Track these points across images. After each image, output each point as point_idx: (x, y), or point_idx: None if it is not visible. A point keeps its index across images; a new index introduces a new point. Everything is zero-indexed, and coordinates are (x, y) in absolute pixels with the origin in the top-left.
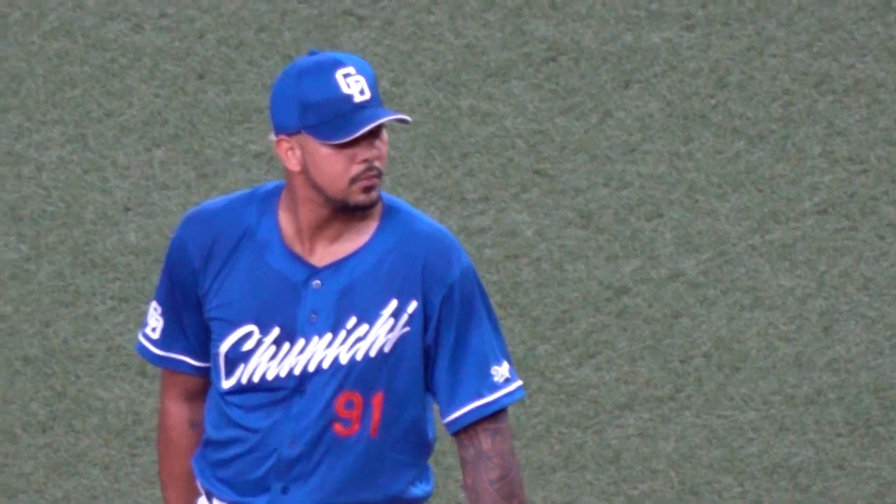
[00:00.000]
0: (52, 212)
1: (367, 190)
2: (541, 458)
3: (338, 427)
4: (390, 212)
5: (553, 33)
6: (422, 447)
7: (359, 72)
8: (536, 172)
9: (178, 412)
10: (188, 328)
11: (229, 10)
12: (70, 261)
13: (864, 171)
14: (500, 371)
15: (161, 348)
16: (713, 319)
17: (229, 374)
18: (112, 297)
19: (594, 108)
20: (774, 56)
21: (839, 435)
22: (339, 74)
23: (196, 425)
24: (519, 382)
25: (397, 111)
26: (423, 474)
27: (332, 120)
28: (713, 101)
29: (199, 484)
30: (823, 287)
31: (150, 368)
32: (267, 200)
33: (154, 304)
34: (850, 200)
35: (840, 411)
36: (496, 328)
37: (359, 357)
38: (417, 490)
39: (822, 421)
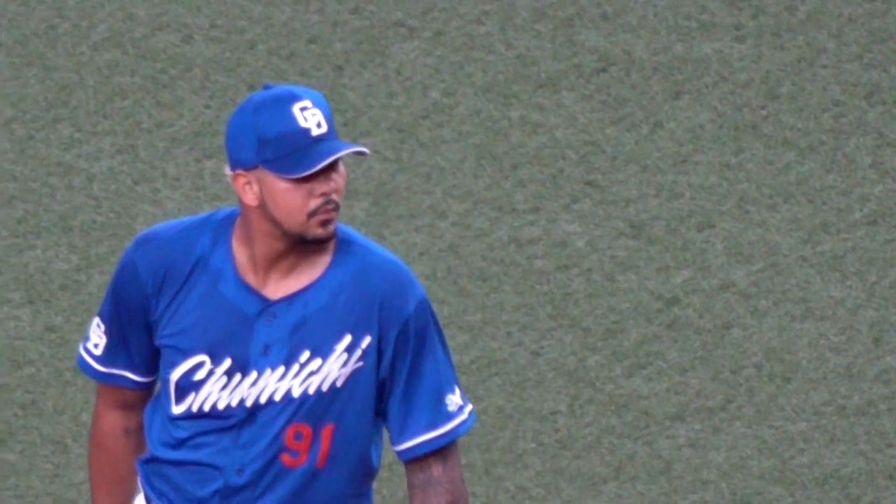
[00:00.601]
0: (102, 222)
1: (325, 224)
2: (591, 469)
3: (285, 457)
4: (343, 244)
5: (604, 44)
6: (367, 476)
7: (315, 105)
8: (587, 183)
9: (113, 420)
10: (132, 347)
11: (280, 20)
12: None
13: None
14: (454, 399)
15: (102, 365)
16: (764, 330)
17: (179, 400)
18: None
19: (645, 118)
20: (825, 67)
21: (890, 445)
22: (295, 108)
23: (129, 433)
24: (469, 407)
25: (353, 143)
26: (366, 501)
27: (290, 154)
28: (764, 112)
29: (141, 487)
30: (874, 298)
31: None
32: (221, 229)
33: (97, 320)
34: None
35: (891, 422)
36: (448, 356)
37: (311, 391)
38: None
39: (872, 431)
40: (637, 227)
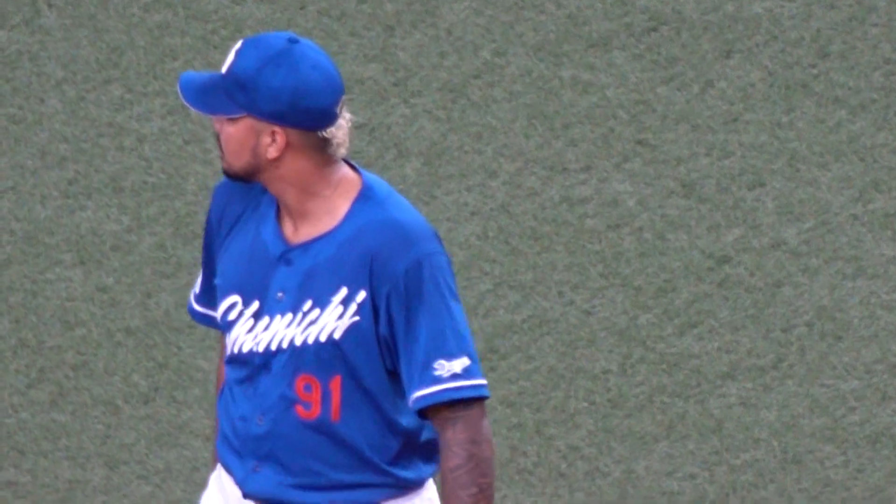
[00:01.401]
0: (153, 183)
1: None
2: (643, 428)
3: (300, 409)
4: (363, 198)
5: (654, 3)
6: (397, 434)
7: (236, 50)
8: (638, 142)
9: (222, 371)
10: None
11: None
12: (171, 232)
13: None
14: (448, 366)
15: (199, 303)
16: (815, 289)
17: (227, 343)
18: None
19: (695, 77)
20: (876, 25)
21: None
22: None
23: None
24: (474, 381)
25: (206, 100)
26: (413, 459)
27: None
28: (815, 71)
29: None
30: None
31: None
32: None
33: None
34: None
35: None
36: (454, 321)
37: (310, 341)
38: (405, 473)
39: None
40: (688, 186)
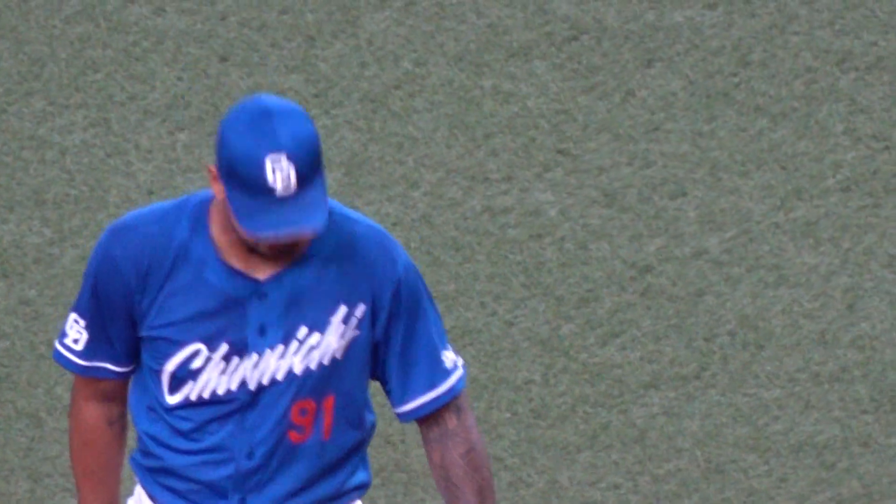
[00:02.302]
0: (75, 196)
1: (275, 255)
2: (566, 438)
3: (292, 434)
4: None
5: (575, 12)
6: (363, 438)
7: (291, 158)
8: (559, 152)
9: (95, 412)
10: (115, 340)
11: None
12: (94, 244)
13: (887, 148)
14: (449, 356)
15: (83, 359)
16: (737, 297)
17: (175, 390)
18: None
19: (617, 87)
20: (797, 34)
21: (865, 412)
22: (269, 160)
23: (113, 423)
24: (461, 361)
25: (316, 210)
26: (361, 463)
27: (248, 201)
28: (736, 80)
29: (140, 485)
30: (847, 264)
31: None
32: (197, 215)
33: (75, 315)
34: (874, 178)
35: (865, 388)
36: (437, 314)
37: (313, 366)
38: (357, 479)
39: (847, 398)
40: (610, 196)
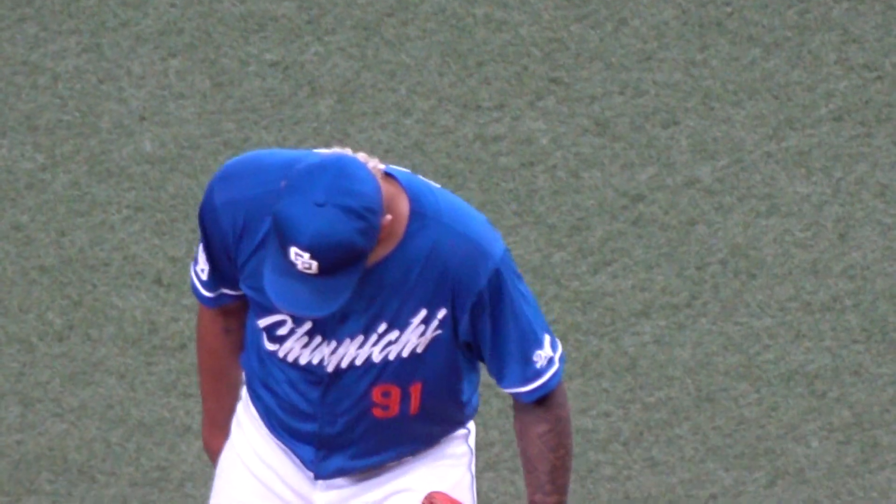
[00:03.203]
0: (67, 121)
1: None
2: None
3: (377, 411)
4: (416, 216)
5: None
6: (459, 407)
7: (313, 257)
8: (552, 80)
9: (213, 319)
10: (226, 272)
11: None
12: (86, 170)
13: (879, 77)
14: (542, 354)
15: (208, 290)
16: (729, 226)
17: (270, 342)
18: (128, 206)
19: (609, 15)
20: None
21: (855, 341)
22: (292, 249)
23: (230, 331)
24: (559, 352)
25: (329, 298)
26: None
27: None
28: (728, 9)
29: (246, 392)
30: (839, 194)
31: (166, 278)
32: None
33: (200, 246)
34: (866, 107)
35: (856, 318)
36: (533, 308)
37: (391, 357)
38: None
39: (838, 327)
40: (602, 125)
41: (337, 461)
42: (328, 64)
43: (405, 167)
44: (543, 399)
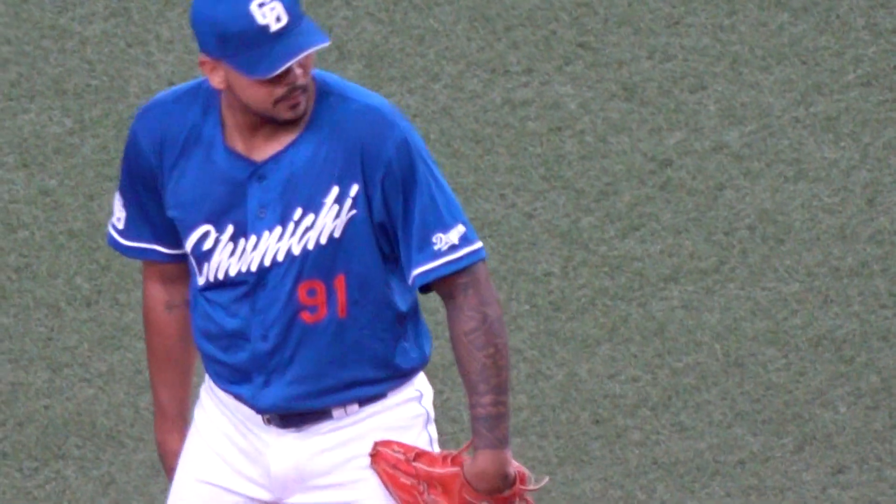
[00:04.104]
0: (95, 86)
1: (293, 107)
2: (585, 331)
3: (305, 315)
4: (322, 96)
5: None
6: (399, 318)
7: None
8: (580, 45)
9: (155, 295)
10: (154, 217)
11: None
12: (114, 135)
13: None
14: (443, 237)
15: (127, 238)
16: (757, 192)
17: (199, 271)
18: None
19: None
20: None
21: (883, 307)
22: (253, 4)
23: (172, 307)
24: (471, 247)
25: (317, 33)
26: (411, 343)
27: (249, 53)
28: None
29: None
30: (867, 159)
31: None
32: (211, 96)
33: (117, 194)
34: (894, 72)
35: (884, 283)
36: (442, 192)
37: (310, 246)
38: (408, 361)
39: (866, 293)
40: (629, 89)
41: (276, 389)
42: (357, 28)
43: (433, 131)
44: (465, 291)
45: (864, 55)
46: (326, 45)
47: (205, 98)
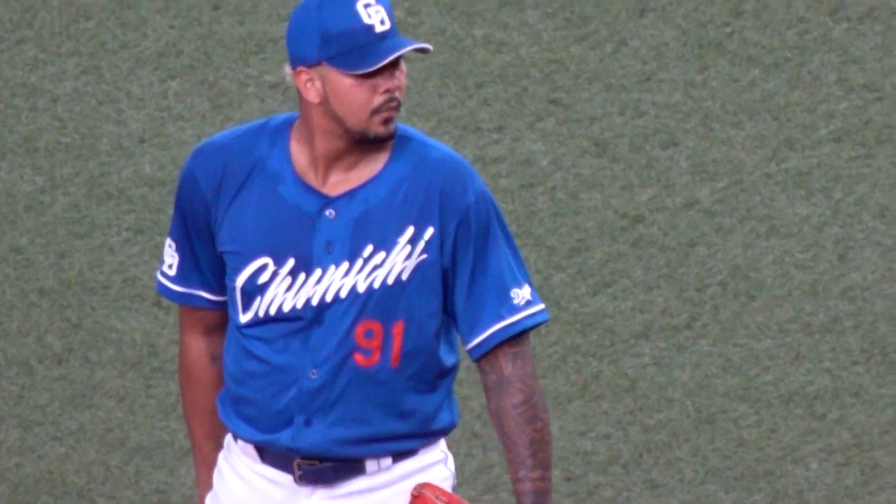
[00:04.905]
0: (67, 143)
1: (387, 122)
2: (557, 388)
3: (358, 357)
4: (402, 140)
5: None
6: (442, 374)
7: (378, 2)
8: (551, 101)
9: (198, 346)
10: (203, 262)
11: None
12: (85, 192)
13: (879, 98)
14: (521, 293)
15: (179, 284)
16: (729, 248)
17: (246, 307)
18: (127, 229)
19: (609, 36)
20: None
21: (855, 363)
22: (359, 5)
23: (216, 359)
24: (541, 306)
25: (416, 40)
26: (446, 404)
27: (354, 50)
28: (728, 29)
29: (224, 424)
30: (839, 214)
31: (166, 300)
32: (278, 132)
33: (168, 240)
34: (865, 128)
35: (856, 339)
36: (515, 252)
37: (376, 285)
38: (442, 421)
39: (838, 349)
40: (601, 145)
41: (318, 430)
42: None
43: None
44: (514, 361)
45: (835, 111)
46: (429, 48)
47: (271, 135)
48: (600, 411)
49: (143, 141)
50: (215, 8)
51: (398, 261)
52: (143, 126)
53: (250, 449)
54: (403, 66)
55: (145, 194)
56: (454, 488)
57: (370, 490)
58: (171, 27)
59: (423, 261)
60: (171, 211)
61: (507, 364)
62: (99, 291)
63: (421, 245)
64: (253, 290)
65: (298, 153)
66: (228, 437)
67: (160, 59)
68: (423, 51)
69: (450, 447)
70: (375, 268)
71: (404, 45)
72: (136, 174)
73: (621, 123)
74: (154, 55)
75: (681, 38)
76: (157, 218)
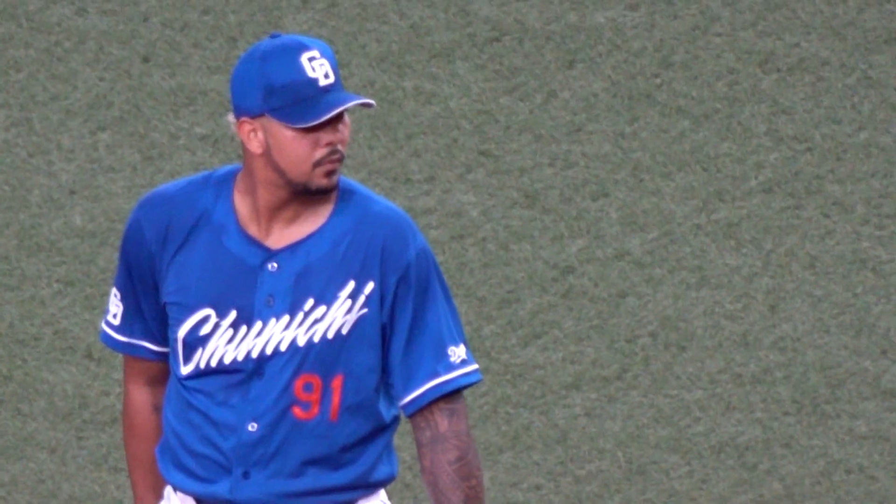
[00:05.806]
0: None
1: (329, 174)
2: (488, 439)
3: (297, 410)
4: (345, 194)
5: (497, 13)
6: (382, 428)
7: (323, 55)
8: (481, 153)
9: (141, 397)
10: (147, 313)
11: None
12: (16, 244)
13: (809, 149)
14: (457, 352)
15: (122, 334)
16: (659, 299)
17: (187, 359)
18: (58, 281)
19: (538, 88)
20: (719, 35)
21: (786, 413)
22: (304, 58)
23: (158, 409)
24: (475, 366)
25: (359, 95)
26: (385, 456)
27: (298, 103)
28: (658, 81)
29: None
30: (769, 266)
31: (97, 352)
32: (222, 184)
33: (114, 289)
34: (796, 179)
35: (787, 390)
36: (453, 309)
37: (316, 339)
38: (381, 473)
39: (768, 399)
40: (531, 197)
41: (256, 482)
42: None
43: None
44: (450, 418)
45: (765, 161)
46: (373, 104)
47: (215, 186)
48: (531, 462)
49: (73, 192)
50: (145, 60)
51: (338, 315)
52: (73, 178)
53: (189, 501)
54: (347, 119)
55: (76, 246)
56: None
57: None
58: (102, 79)
59: (363, 315)
60: (101, 262)
61: (442, 420)
62: (30, 343)
63: (361, 300)
64: (194, 342)
65: (241, 204)
66: (168, 489)
67: (90, 111)
68: (367, 105)
69: None
70: (316, 322)
71: (348, 100)
72: (67, 226)
73: (551, 174)
74: (84, 107)
75: (610, 89)
76: (88, 269)
